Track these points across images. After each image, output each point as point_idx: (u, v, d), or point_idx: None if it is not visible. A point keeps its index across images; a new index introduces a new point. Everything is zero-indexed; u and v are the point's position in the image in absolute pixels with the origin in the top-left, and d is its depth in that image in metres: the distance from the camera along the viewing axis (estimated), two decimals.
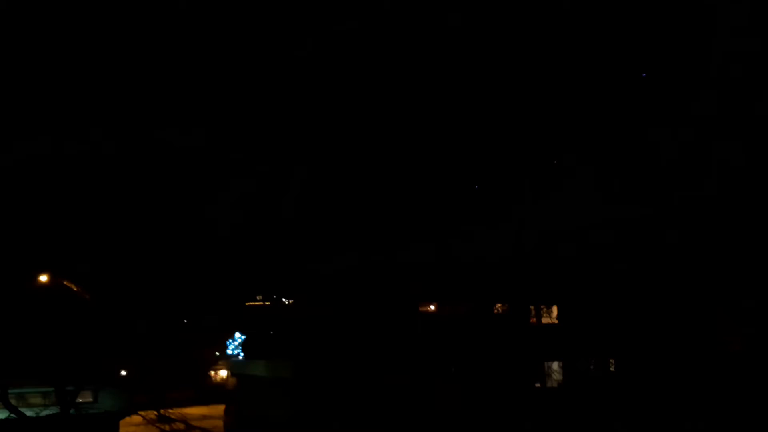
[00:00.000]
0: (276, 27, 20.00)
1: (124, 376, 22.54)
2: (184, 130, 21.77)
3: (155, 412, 19.47)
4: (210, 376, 26.49)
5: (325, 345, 21.37)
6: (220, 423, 22.30)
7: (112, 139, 21.06)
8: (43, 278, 21.29)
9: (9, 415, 17.91)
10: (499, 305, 20.42)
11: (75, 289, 21.91)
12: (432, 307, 21.61)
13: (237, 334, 25.29)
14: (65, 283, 21.73)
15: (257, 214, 24.33)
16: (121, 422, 21.24)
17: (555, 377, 19.31)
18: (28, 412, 18.36)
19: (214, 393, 23.99)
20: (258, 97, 21.59)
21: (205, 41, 20.02)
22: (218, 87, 20.99)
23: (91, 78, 19.93)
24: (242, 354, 25.01)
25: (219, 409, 22.82)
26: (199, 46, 20.14)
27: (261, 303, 26.98)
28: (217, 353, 25.77)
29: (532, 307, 19.94)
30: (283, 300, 27.46)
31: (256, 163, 22.97)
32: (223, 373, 25.67)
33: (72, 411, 18.60)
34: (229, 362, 25.27)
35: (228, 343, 25.22)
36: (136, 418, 20.17)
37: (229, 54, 20.40)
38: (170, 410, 19.49)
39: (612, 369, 19.03)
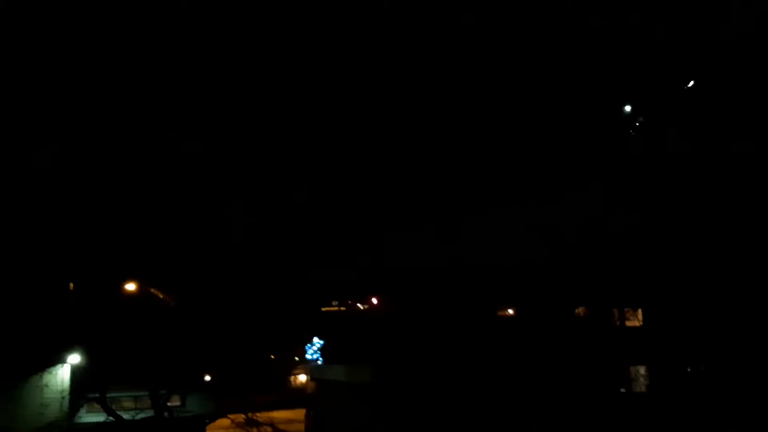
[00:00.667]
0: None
1: (208, 381, 23.21)
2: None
3: (243, 416, 20.01)
4: (289, 380, 27.08)
5: (404, 350, 21.51)
6: (300, 428, 22.72)
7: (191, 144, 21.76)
8: (131, 287, 22.15)
9: (107, 418, 18.79)
10: (580, 309, 20.17)
11: (161, 297, 22.76)
12: (511, 311, 21.55)
13: (315, 339, 25.77)
14: (152, 290, 22.59)
15: (329, 221, 24.77)
16: (209, 426, 21.96)
17: (641, 382, 18.93)
18: (124, 416, 19.23)
19: (295, 397, 24.44)
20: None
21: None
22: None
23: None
24: (321, 359, 25.43)
25: (300, 413, 23.27)
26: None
27: (337, 308, 27.44)
28: (296, 358, 26.34)
29: (615, 311, 19.63)
30: (359, 305, 27.86)
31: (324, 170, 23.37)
32: (302, 378, 26.20)
33: (165, 414, 19.35)
34: (308, 367, 25.72)
35: (306, 348, 25.73)
36: (224, 422, 20.79)
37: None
38: (257, 414, 19.99)
39: (699, 374, 18.54)
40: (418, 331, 21.44)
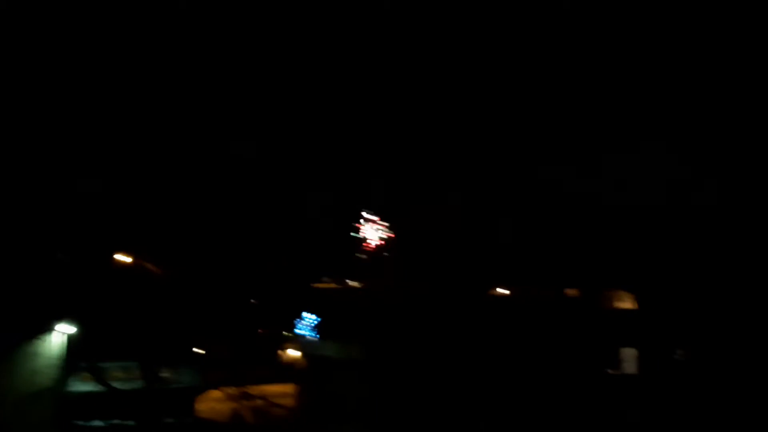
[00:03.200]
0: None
1: (199, 354, 23.25)
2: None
3: (235, 389, 20.13)
4: (279, 355, 27.21)
5: (395, 328, 21.61)
6: (288, 403, 22.82)
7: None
8: (124, 258, 22.07)
9: (99, 387, 18.84)
10: (571, 290, 20.33)
11: (154, 270, 22.70)
12: (504, 291, 21.67)
13: (305, 314, 25.87)
14: (145, 264, 22.52)
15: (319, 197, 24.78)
16: (202, 397, 22.04)
17: (630, 364, 19.15)
18: (116, 385, 19.28)
19: (286, 372, 24.56)
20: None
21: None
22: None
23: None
24: (314, 334, 25.54)
25: (288, 388, 23.38)
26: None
27: (328, 285, 27.52)
28: (285, 333, 26.40)
29: (606, 292, 19.80)
30: (349, 282, 27.93)
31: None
32: (291, 353, 26.31)
33: (156, 385, 19.41)
34: (300, 342, 25.81)
35: (296, 322, 25.82)
36: (215, 393, 20.88)
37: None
38: (249, 387, 20.11)
39: (688, 358, 18.76)
40: (409, 308, 21.54)
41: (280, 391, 22.39)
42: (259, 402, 20.19)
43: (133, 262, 22.23)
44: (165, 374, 20.76)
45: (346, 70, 22.03)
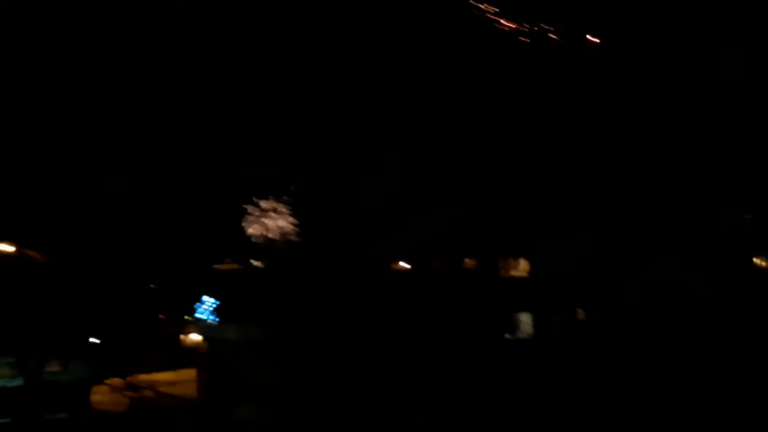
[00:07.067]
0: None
1: (95, 344, 22.25)
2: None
3: (133, 377, 19.35)
4: (181, 340, 26.41)
5: (296, 307, 21.36)
6: (190, 389, 22.27)
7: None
8: (6, 248, 20.83)
9: None
10: (469, 260, 20.54)
11: (39, 258, 21.49)
12: (403, 264, 21.67)
13: (205, 298, 25.17)
14: (28, 251, 21.29)
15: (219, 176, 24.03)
16: (98, 389, 21.10)
17: (526, 330, 19.59)
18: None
19: (186, 358, 23.90)
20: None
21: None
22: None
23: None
24: (214, 318, 24.86)
25: (190, 373, 22.77)
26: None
27: (230, 266, 26.81)
28: (187, 317, 25.63)
29: (502, 261, 20.11)
30: (253, 262, 27.30)
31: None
32: (194, 338, 25.58)
33: (38, 381, 18.42)
34: (200, 327, 25.12)
35: (196, 306, 25.09)
36: (115, 383, 20.08)
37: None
38: (139, 377, 19.36)
39: (582, 320, 19.32)
40: (309, 288, 21.30)
41: (175, 378, 21.78)
42: (148, 393, 19.52)
43: (16, 250, 21.01)
44: (52, 367, 19.72)
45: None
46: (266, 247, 25.74)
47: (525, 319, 19.49)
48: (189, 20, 20.24)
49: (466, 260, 20.65)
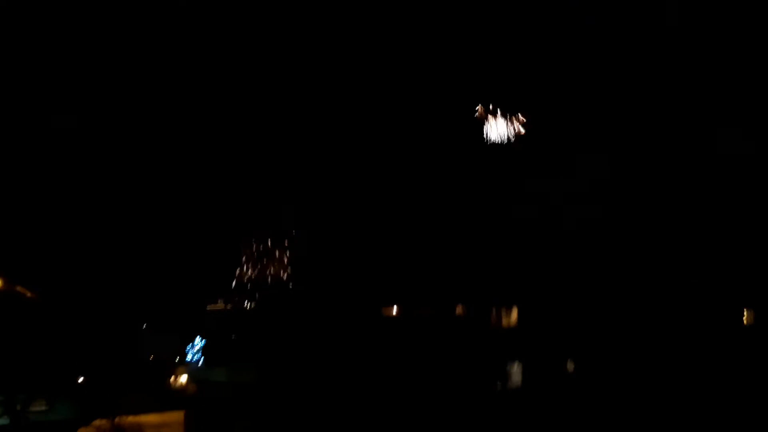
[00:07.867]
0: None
1: (82, 383, 21.96)
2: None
3: (119, 419, 19.07)
4: (170, 382, 26.09)
5: (287, 351, 21.24)
6: (177, 431, 21.97)
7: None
8: None
9: None
10: (460, 307, 20.54)
11: (29, 295, 21.38)
12: (395, 310, 21.63)
13: (197, 339, 25.01)
14: (18, 288, 21.20)
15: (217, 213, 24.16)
16: (84, 430, 20.75)
17: (516, 378, 19.49)
18: None
19: (173, 399, 23.57)
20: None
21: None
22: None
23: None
24: (203, 359, 24.70)
25: (177, 415, 22.45)
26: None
27: (223, 307, 26.70)
28: (177, 358, 25.37)
29: (494, 309, 20.10)
30: (245, 304, 27.19)
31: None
32: (183, 379, 25.29)
33: (23, 420, 18.15)
34: (189, 368, 24.91)
35: (187, 348, 24.88)
36: (100, 424, 19.74)
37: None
38: (126, 418, 19.09)
39: (571, 369, 19.25)
40: (302, 330, 21.21)
41: (161, 420, 21.46)
42: None
43: (5, 287, 20.93)
44: (39, 406, 19.46)
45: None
46: (259, 289, 25.76)
47: (515, 369, 19.41)
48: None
49: (458, 308, 20.68)
